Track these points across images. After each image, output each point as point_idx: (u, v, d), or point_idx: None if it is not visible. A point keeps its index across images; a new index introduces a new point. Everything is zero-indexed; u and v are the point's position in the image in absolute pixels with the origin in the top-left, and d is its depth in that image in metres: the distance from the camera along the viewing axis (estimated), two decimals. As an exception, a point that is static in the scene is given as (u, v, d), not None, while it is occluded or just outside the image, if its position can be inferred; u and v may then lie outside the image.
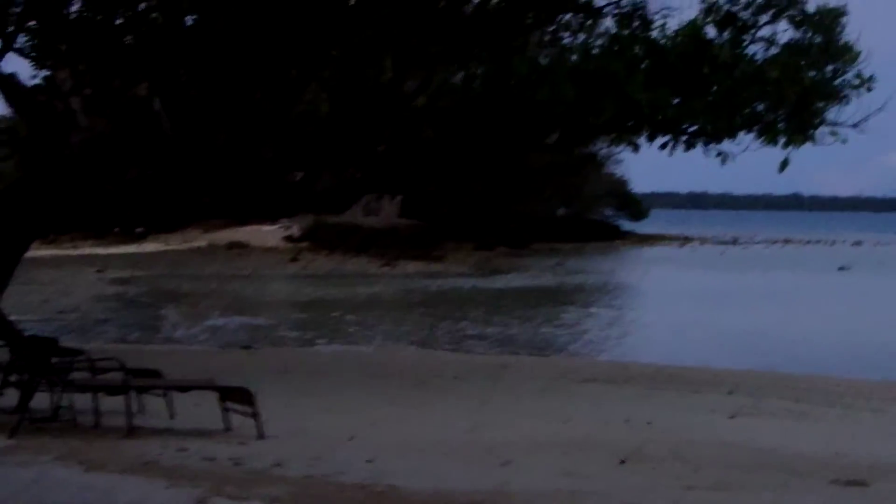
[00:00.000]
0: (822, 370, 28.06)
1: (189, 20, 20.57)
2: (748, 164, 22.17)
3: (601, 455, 13.85)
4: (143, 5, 20.31)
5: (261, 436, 14.20)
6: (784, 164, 19.81)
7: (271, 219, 72.56)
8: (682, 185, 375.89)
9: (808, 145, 20.17)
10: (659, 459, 13.70)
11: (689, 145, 20.31)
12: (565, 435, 15.54)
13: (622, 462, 13.39)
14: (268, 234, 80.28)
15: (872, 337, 37.72)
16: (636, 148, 20.93)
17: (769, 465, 13.61)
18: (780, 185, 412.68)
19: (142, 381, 15.72)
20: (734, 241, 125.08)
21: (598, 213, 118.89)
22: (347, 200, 27.35)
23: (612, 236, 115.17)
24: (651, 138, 20.48)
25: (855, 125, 19.78)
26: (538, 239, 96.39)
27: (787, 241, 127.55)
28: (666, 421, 17.31)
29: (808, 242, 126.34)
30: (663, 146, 20.28)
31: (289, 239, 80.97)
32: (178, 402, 15.60)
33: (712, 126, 19.96)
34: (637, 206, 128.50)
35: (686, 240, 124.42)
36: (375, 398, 19.48)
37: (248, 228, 79.84)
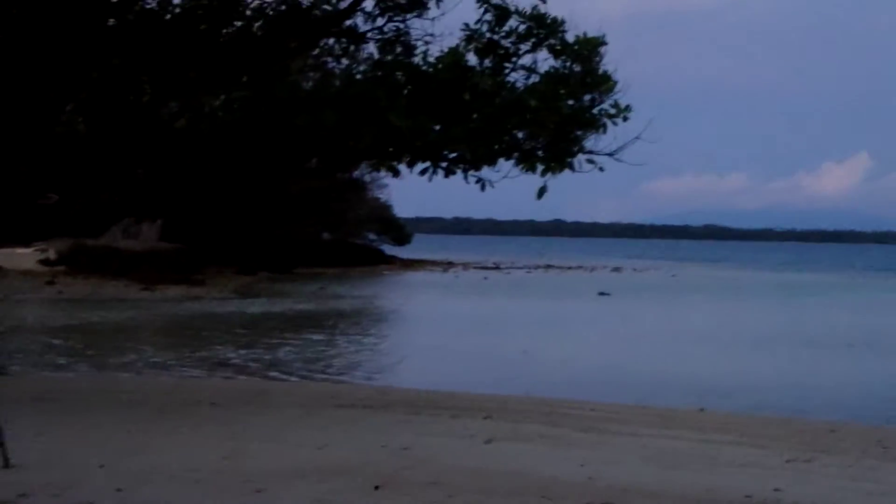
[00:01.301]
0: (580, 395, 28.47)
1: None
2: (512, 190, 22.42)
3: (356, 481, 13.78)
4: None
5: (6, 465, 13.70)
6: (542, 192, 20.02)
7: (24, 242, 70.52)
8: (447, 211, 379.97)
9: (567, 172, 20.44)
10: (414, 485, 13.68)
11: (450, 172, 20.36)
12: (322, 461, 15.39)
13: (376, 488, 13.33)
14: (23, 257, 78.02)
15: (629, 362, 38.56)
16: (397, 174, 20.90)
17: (524, 490, 13.71)
18: (544, 212, 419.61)
19: None
20: (496, 267, 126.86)
21: (362, 237, 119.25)
22: (105, 223, 26.75)
23: (377, 261, 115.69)
24: (411, 164, 20.49)
25: (611, 154, 20.09)
26: (302, 263, 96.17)
27: (548, 267, 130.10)
28: (423, 446, 17.28)
29: (570, 268, 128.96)
30: (423, 172, 20.29)
31: (45, 262, 78.81)
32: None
33: (472, 153, 20.04)
34: (401, 230, 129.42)
35: (449, 265, 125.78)
36: (130, 425, 19.03)
37: (3, 251, 77.49)
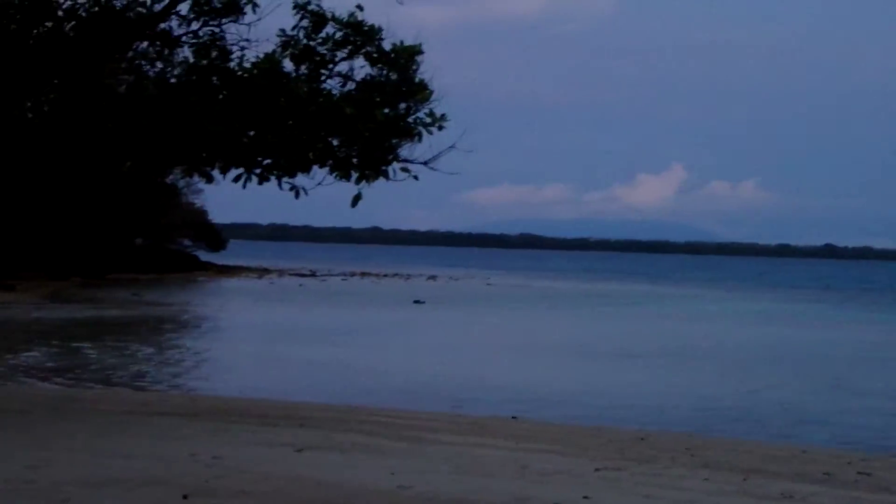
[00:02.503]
0: (394, 404, 28.51)
1: None
2: (329, 197, 22.34)
3: (165, 491, 13.56)
4: None
5: None
6: (356, 200, 20.00)
7: None
8: (264, 217, 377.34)
9: (384, 180, 20.42)
10: (224, 495, 13.53)
11: (263, 178, 20.20)
12: (130, 471, 15.09)
13: (185, 497, 13.14)
14: None
15: (443, 371, 38.70)
16: (210, 179, 20.69)
17: (333, 499, 13.67)
18: (361, 219, 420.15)
19: None
20: (312, 274, 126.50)
21: (177, 243, 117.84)
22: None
23: (192, 267, 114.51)
24: (224, 171, 20.29)
25: (426, 162, 20.14)
26: (116, 269, 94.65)
27: (364, 274, 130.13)
28: (234, 455, 17.07)
29: (386, 276, 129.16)
30: (237, 179, 20.10)
31: None
32: None
33: (286, 160, 19.94)
34: (216, 237, 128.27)
35: (265, 271, 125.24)
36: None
37: None
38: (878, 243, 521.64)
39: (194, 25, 20.84)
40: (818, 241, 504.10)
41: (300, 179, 20.39)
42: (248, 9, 20.56)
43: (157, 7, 20.66)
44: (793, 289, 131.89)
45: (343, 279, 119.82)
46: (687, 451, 21.44)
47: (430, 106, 20.06)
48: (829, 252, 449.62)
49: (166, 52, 21.15)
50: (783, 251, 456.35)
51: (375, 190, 20.44)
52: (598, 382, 37.05)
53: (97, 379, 33.34)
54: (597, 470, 17.81)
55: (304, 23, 20.19)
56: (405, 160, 20.29)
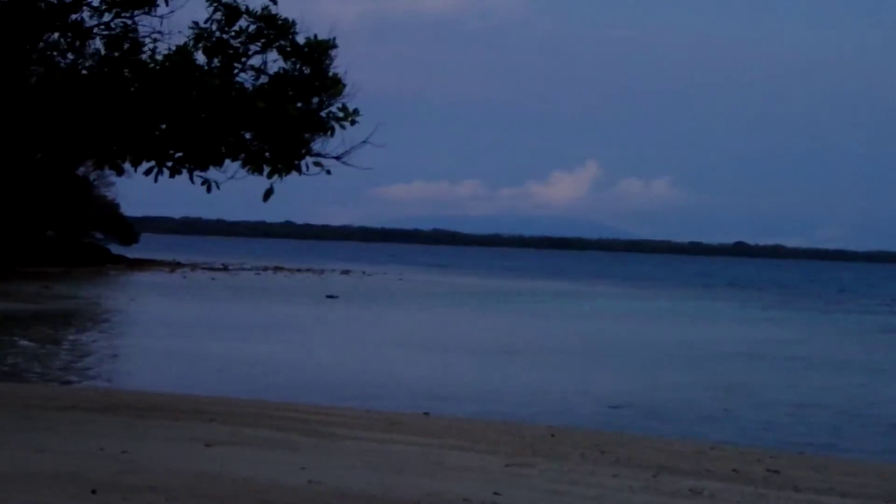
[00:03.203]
0: (306, 399, 28.46)
1: None
2: (242, 190, 22.22)
3: (73, 486, 13.44)
4: None
5: None
6: (268, 194, 19.95)
7: None
8: (177, 210, 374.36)
9: (297, 175, 20.38)
10: (132, 490, 13.44)
11: (175, 171, 20.07)
12: (38, 466, 14.94)
13: (93, 492, 13.06)
14: None
15: (356, 366, 38.71)
16: (121, 172, 20.55)
17: (243, 495, 13.61)
18: (274, 213, 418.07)
19: None
20: (225, 268, 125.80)
21: (88, 236, 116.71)
22: None
23: (103, 261, 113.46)
24: (136, 164, 20.12)
25: (338, 157, 20.13)
26: (25, 262, 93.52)
27: (277, 269, 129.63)
28: (144, 450, 16.95)
29: (299, 270, 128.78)
30: (148, 172, 19.95)
31: None
32: None
33: (198, 153, 19.82)
34: (128, 230, 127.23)
35: (177, 265, 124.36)
36: None
37: None
38: (790, 242, 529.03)
39: (106, 17, 20.69)
40: (729, 239, 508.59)
41: (212, 173, 20.32)
42: (160, 1, 20.45)
43: (69, -2, 20.47)
44: (701, 286, 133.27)
45: (256, 273, 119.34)
46: (596, 447, 21.58)
47: (343, 101, 20.07)
48: (741, 250, 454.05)
49: (78, 43, 20.96)
50: (695, 249, 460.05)
51: (288, 184, 20.42)
52: (509, 379, 37.24)
53: (6, 373, 32.96)
54: (507, 466, 17.88)
55: (218, 15, 20.11)
56: (318, 154, 20.27)
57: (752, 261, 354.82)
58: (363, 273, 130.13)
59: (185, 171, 20.03)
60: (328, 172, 20.21)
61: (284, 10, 20.27)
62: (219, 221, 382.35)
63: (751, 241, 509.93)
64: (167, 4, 20.43)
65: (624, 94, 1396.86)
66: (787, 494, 17.27)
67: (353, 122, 19.84)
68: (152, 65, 20.09)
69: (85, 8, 20.59)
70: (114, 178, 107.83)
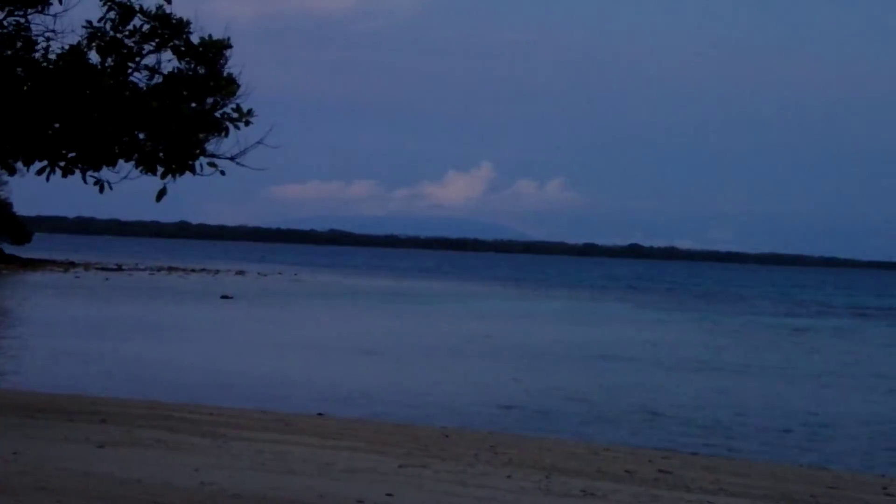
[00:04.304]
0: (199, 399, 28.35)
1: None
2: (136, 190, 22.08)
3: (-39, 489, 13.31)
4: None
5: None
6: (161, 194, 19.86)
7: None
8: (70, 210, 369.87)
9: (191, 175, 20.29)
10: (22, 491, 13.36)
11: (67, 171, 19.89)
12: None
13: (-18, 495, 12.95)
14: None
15: (249, 366, 38.60)
16: (12, 171, 20.34)
17: (134, 496, 13.59)
18: (168, 213, 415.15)
19: None
20: (119, 268, 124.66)
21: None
22: None
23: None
24: (28, 163, 19.92)
25: (233, 158, 20.09)
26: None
27: (171, 269, 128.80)
28: (34, 451, 16.80)
29: (193, 270, 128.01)
30: (40, 172, 19.75)
31: None
32: None
33: (91, 153, 19.67)
34: (21, 229, 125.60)
35: (71, 265, 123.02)
36: None
37: None
38: (682, 244, 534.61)
39: (-1, 15, 20.45)
40: (624, 241, 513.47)
41: (105, 173, 20.16)
42: (54, 0, 20.27)
43: (-40, -5, 20.22)
44: (594, 288, 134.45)
45: (150, 274, 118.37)
46: (490, 448, 21.72)
47: (238, 101, 20.02)
48: (635, 252, 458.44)
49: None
50: (589, 251, 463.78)
51: (183, 184, 20.33)
52: (402, 380, 37.37)
53: None
54: (400, 467, 17.96)
55: (111, 14, 19.95)
56: (212, 155, 20.20)
57: (646, 262, 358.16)
58: (258, 274, 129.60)
59: (77, 171, 19.87)
60: (222, 173, 20.16)
61: (178, 9, 20.19)
62: (113, 221, 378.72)
63: (644, 242, 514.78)
64: (60, 3, 20.25)
65: (518, 95, 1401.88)
66: (678, 495, 17.51)
67: (247, 123, 19.81)
68: (45, 64, 19.91)
69: (-24, 6, 20.34)
70: (6, 178, 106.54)
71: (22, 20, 20.43)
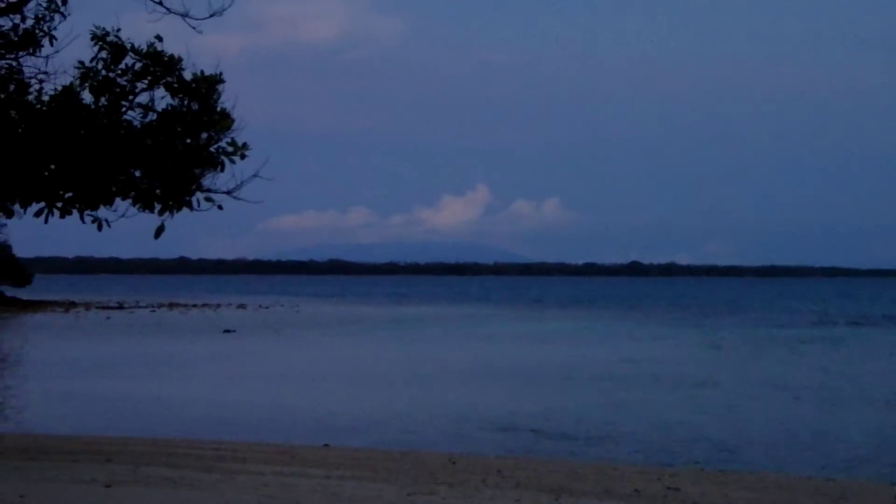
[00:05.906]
0: (204, 434, 28.33)
1: None
2: (134, 228, 22.08)
3: (-31, 534, 13.28)
4: None
5: None
6: (159, 231, 19.86)
7: None
8: (68, 250, 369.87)
9: (188, 210, 20.30)
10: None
11: (65, 212, 19.90)
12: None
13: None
14: None
15: (253, 399, 38.54)
16: (10, 214, 20.35)
17: (144, 535, 13.54)
18: (167, 249, 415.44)
19: None
20: (120, 306, 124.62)
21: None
22: None
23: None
24: (25, 205, 19.94)
25: (229, 192, 20.10)
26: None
27: (173, 305, 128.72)
28: (40, 493, 16.76)
29: (195, 306, 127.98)
30: (39, 213, 19.76)
31: None
32: None
33: (88, 193, 19.69)
34: (21, 271, 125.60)
35: (71, 305, 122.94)
36: None
37: None
38: (682, 259, 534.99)
39: (-9, 59, 20.49)
40: (623, 259, 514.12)
41: (103, 212, 20.16)
42: (45, 41, 20.31)
43: (-48, 40, 20.26)
44: (597, 308, 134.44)
45: (151, 311, 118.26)
46: (497, 472, 21.72)
47: (232, 135, 20.03)
48: (635, 269, 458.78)
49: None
50: (589, 270, 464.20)
51: (180, 220, 20.33)
52: (407, 407, 37.26)
53: None
54: (409, 495, 17.93)
55: (103, 54, 19.99)
56: (208, 190, 20.20)
57: (646, 280, 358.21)
58: (259, 306, 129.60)
59: (75, 211, 19.88)
60: (220, 207, 20.17)
61: (170, 46, 20.23)
62: (112, 259, 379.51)
63: (644, 259, 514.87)
64: (52, 45, 20.30)
65: (506, 116, 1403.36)
66: (688, 512, 17.53)
67: (242, 157, 19.82)
68: (39, 105, 19.93)
69: (-32, 50, 20.38)
70: (4, 221, 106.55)
71: (14, 63, 20.47)
